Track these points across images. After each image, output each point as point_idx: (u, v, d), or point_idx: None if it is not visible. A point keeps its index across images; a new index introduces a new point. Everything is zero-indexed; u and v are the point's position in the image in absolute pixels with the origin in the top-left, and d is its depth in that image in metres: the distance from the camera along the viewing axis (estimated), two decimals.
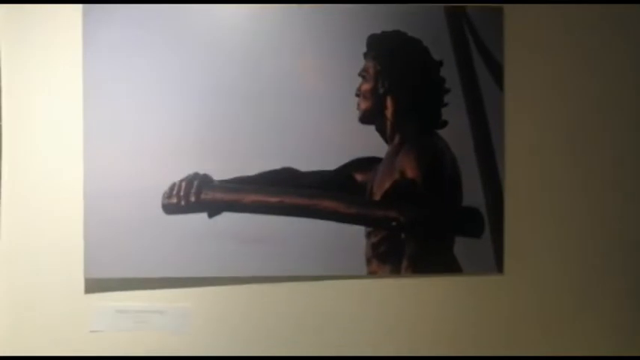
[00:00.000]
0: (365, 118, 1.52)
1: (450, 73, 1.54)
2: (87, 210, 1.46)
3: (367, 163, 1.52)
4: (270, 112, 1.50)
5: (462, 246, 1.54)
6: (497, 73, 1.56)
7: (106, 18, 1.47)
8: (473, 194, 1.55)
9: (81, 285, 1.49)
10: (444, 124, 1.54)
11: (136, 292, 1.50)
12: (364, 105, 1.52)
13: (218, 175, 1.48)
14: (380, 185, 1.52)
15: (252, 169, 1.49)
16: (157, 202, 1.47)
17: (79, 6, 1.47)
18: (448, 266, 1.55)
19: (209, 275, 1.49)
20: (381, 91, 1.53)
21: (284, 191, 1.49)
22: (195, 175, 1.48)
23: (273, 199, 1.49)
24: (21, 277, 1.48)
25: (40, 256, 1.48)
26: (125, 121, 1.47)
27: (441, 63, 1.54)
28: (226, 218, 1.48)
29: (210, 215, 1.48)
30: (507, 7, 1.57)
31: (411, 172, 1.52)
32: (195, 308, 1.51)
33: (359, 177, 1.52)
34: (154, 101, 1.48)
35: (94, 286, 1.49)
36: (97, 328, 1.49)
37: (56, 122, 1.49)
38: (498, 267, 1.56)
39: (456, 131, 1.54)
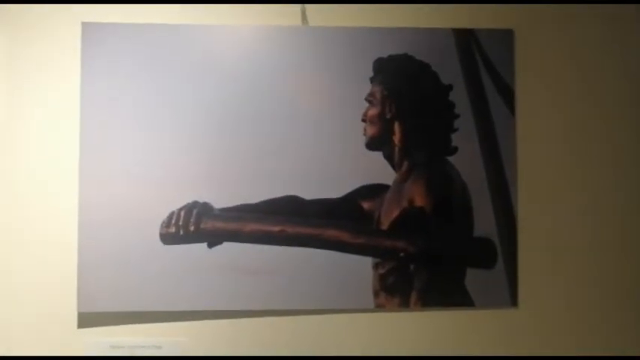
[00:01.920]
0: (372, 144, 1.46)
1: (459, 98, 1.49)
2: (81, 240, 1.40)
3: (374, 191, 1.45)
4: (274, 137, 1.44)
5: (473, 278, 1.47)
6: (508, 97, 1.50)
7: (104, 42, 1.43)
8: (485, 223, 1.48)
9: (74, 319, 1.42)
10: (454, 150, 1.48)
11: (131, 327, 1.42)
12: (371, 131, 1.47)
13: (219, 203, 1.42)
14: (388, 214, 1.45)
15: (254, 197, 1.43)
16: (155, 232, 1.41)
17: (78, 31, 1.43)
18: (459, 299, 1.47)
19: (208, 308, 1.42)
20: (389, 116, 1.47)
21: (287, 220, 1.43)
22: (195, 204, 1.42)
23: (276, 229, 1.43)
24: (12, 310, 1.41)
25: (32, 289, 1.41)
26: (122, 147, 1.42)
27: (450, 87, 1.49)
28: (227, 249, 1.42)
29: (210, 245, 1.42)
30: (518, 29, 1.52)
31: (420, 201, 1.46)
32: (192, 343, 1.43)
33: (366, 205, 1.45)
34: (153, 126, 1.43)
35: (87, 320, 1.41)
36: None
37: (51, 148, 1.44)
38: (512, 300, 1.48)
39: (466, 158, 1.48)
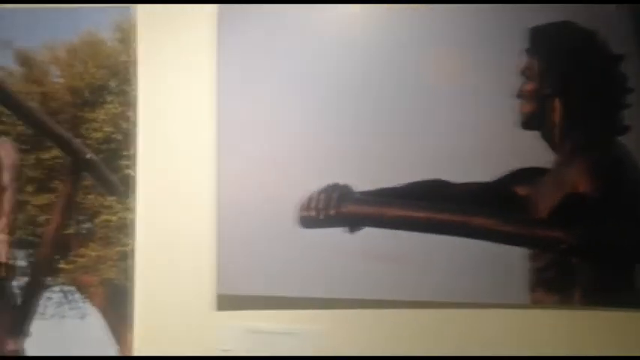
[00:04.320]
0: (528, 123, 1.32)
1: (633, 70, 1.30)
2: (220, 222, 1.38)
3: (531, 175, 1.31)
4: (419, 117, 1.34)
5: None
6: None
7: (239, 26, 1.40)
8: None
9: (213, 301, 1.41)
10: (625, 129, 1.30)
11: (268, 312, 1.39)
12: (527, 108, 1.32)
13: (360, 186, 1.35)
14: (546, 201, 1.31)
15: (398, 180, 1.34)
16: (294, 215, 1.36)
17: (214, 15, 1.41)
18: (628, 299, 1.30)
19: (347, 296, 1.36)
20: (548, 91, 1.32)
21: (432, 206, 1.32)
22: (335, 186, 1.35)
23: (420, 214, 1.33)
24: (152, 290, 1.42)
25: (171, 270, 1.41)
26: (260, 128, 1.38)
27: (620, 57, 1.31)
28: (368, 234, 1.34)
29: (351, 230, 1.35)
30: None
31: (584, 186, 1.29)
32: (330, 332, 1.37)
33: (521, 191, 1.32)
34: (291, 106, 1.38)
35: (225, 302, 1.40)
36: (227, 347, 1.40)
37: (188, 131, 1.42)
38: None
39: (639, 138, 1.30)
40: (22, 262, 1.46)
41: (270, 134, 1.37)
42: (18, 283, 1.45)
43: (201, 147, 1.41)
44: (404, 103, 1.34)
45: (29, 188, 1.46)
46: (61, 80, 1.47)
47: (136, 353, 1.41)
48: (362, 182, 1.35)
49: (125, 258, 1.43)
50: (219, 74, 1.40)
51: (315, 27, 1.38)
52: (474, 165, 1.32)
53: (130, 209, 1.43)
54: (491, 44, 1.33)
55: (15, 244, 1.45)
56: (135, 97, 1.44)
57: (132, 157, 1.44)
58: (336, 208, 1.34)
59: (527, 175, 1.31)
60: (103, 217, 1.44)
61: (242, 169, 1.38)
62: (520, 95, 1.32)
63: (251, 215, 1.36)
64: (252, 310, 1.39)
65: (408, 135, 1.34)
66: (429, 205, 1.33)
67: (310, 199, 1.35)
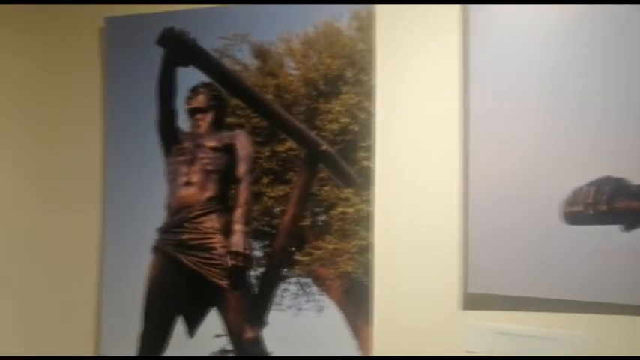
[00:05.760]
0: None
1: None
2: (469, 217, 1.30)
3: None
4: None
5: None
6: None
7: (486, 19, 1.31)
8: None
9: (457, 299, 1.33)
10: None
11: (519, 313, 1.29)
12: None
13: (638, 179, 1.21)
14: None
15: None
16: (555, 210, 1.24)
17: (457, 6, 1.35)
18: None
19: (615, 301, 1.23)
20: None
21: None
22: (607, 179, 1.22)
23: None
24: (392, 285, 1.38)
25: (412, 266, 1.36)
26: (517, 114, 1.27)
27: None
28: None
29: (628, 228, 1.21)
30: None
31: None
32: (590, 338, 1.25)
33: None
34: (554, 88, 1.26)
35: (472, 301, 1.32)
36: (473, 349, 1.33)
37: (430, 122, 1.36)
38: None
39: None
40: (258, 253, 1.49)
41: (531, 121, 1.27)
42: (255, 272, 1.48)
43: (444, 138, 1.35)
44: None
45: (264, 180, 1.48)
46: (296, 72, 1.47)
47: (375, 350, 1.39)
48: None
49: (363, 252, 1.40)
50: (466, 66, 1.32)
51: (572, 19, 1.26)
52: None
53: (368, 202, 1.40)
54: None
55: (251, 234, 1.48)
56: (372, 87, 1.41)
57: (370, 149, 1.40)
58: (607, 204, 1.21)
59: None
60: (340, 209, 1.43)
61: (495, 161, 1.28)
62: None
63: (506, 210, 1.27)
64: (501, 310, 1.31)
65: None
66: None
67: (577, 193, 1.23)
